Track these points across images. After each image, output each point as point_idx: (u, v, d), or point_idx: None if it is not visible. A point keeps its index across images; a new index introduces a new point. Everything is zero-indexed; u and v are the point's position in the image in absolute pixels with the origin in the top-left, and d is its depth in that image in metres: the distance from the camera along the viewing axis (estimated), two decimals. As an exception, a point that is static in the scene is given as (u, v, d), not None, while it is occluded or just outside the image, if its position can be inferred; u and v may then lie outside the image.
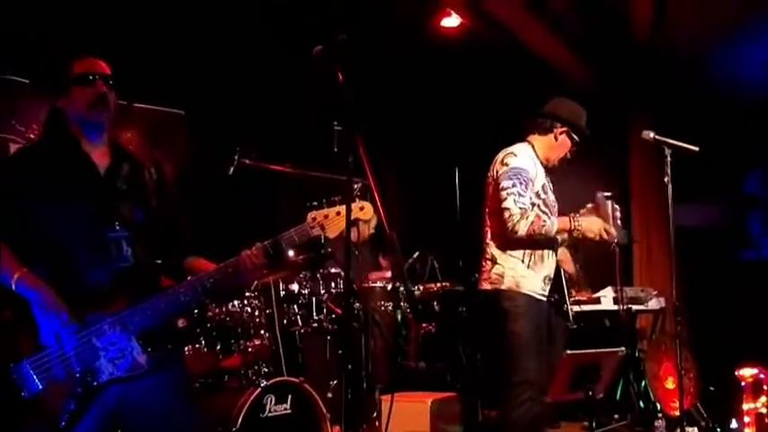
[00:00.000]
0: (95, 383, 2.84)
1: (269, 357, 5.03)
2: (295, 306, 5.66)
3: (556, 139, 4.58)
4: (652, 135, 4.42)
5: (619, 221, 4.44)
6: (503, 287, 4.43)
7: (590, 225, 4.37)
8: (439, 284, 6.94)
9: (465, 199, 7.44)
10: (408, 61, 7.65)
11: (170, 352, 3.05)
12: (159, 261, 3.14)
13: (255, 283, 5.27)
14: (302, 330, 5.65)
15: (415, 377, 6.53)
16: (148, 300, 2.93)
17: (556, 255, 4.61)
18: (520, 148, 4.54)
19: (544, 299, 4.55)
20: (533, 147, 4.59)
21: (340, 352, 5.88)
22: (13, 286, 2.83)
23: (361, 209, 3.09)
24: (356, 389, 5.90)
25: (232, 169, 5.41)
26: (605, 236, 4.38)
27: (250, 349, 4.88)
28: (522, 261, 4.43)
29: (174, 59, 6.55)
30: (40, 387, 2.80)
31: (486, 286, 4.52)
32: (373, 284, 6.47)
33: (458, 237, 7.27)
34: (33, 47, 5.77)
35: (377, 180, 3.07)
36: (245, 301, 4.99)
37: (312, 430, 4.72)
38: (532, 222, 4.21)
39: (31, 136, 5.91)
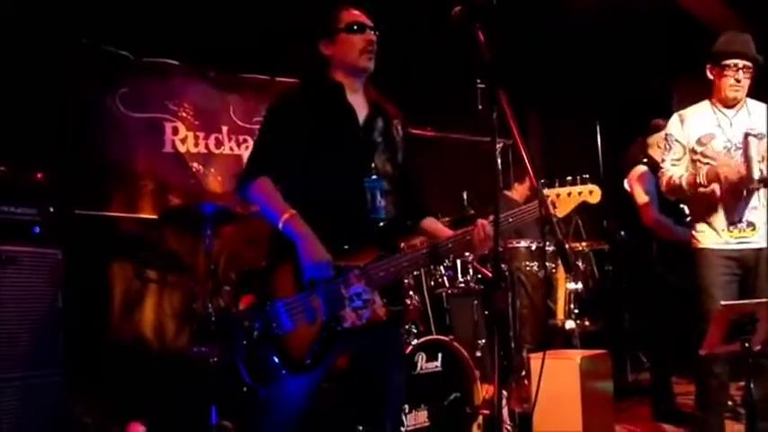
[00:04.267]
0: (339, 329, 2.97)
1: (418, 318, 5.13)
2: (441, 268, 5.73)
3: (710, 78, 4.58)
4: None
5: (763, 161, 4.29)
6: (691, 248, 4.58)
7: (706, 173, 4.36)
8: (584, 243, 6.88)
9: (608, 155, 7.32)
10: (547, 15, 7.54)
11: (403, 309, 3.18)
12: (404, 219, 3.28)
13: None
14: (449, 291, 5.73)
15: (563, 336, 6.51)
16: (393, 256, 3.06)
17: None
18: (687, 109, 4.65)
19: (739, 246, 4.44)
20: (711, 98, 4.62)
21: (486, 312, 5.93)
22: (280, 226, 2.97)
23: (591, 192, 3.15)
24: (504, 348, 5.95)
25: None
26: (714, 181, 4.34)
27: (400, 310, 4.97)
28: (697, 217, 4.55)
29: (312, 32, 6.69)
30: (292, 326, 2.97)
31: None
32: (517, 244, 6.47)
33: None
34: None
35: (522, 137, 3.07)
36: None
37: (462, 388, 4.79)
38: (665, 183, 4.53)
39: (183, 114, 6.19)
